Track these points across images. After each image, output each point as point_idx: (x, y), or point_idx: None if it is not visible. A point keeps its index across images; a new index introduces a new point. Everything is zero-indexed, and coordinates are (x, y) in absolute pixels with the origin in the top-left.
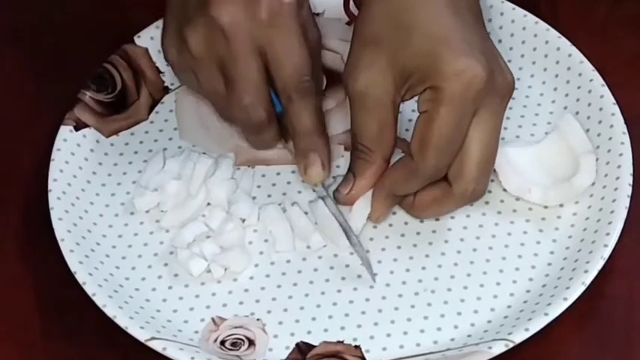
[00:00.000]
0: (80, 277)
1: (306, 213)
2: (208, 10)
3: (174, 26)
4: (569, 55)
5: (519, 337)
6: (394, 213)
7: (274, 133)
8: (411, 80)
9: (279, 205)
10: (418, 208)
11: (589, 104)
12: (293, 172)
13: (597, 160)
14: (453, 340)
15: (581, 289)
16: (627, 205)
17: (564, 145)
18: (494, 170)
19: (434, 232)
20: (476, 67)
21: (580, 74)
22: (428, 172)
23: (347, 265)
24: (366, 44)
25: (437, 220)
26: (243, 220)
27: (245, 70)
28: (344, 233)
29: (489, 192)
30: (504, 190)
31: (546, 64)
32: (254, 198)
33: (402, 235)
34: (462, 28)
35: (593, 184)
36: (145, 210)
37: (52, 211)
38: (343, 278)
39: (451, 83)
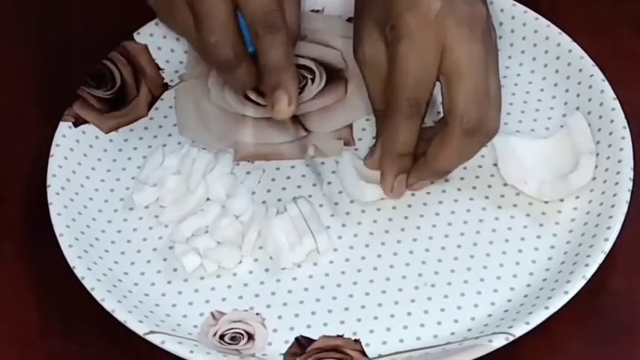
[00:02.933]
0: (79, 272)
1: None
2: None
3: None
4: (570, 51)
5: (520, 330)
6: (393, 207)
7: (246, 73)
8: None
9: (279, 200)
10: (432, 161)
11: (589, 99)
12: (292, 167)
13: (598, 155)
14: (453, 334)
15: (582, 282)
16: (628, 199)
17: (569, 142)
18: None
19: (434, 226)
20: None
21: (580, 70)
22: (405, 109)
23: (347, 259)
24: (362, 17)
25: (437, 214)
26: (238, 217)
27: (211, 9)
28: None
29: (489, 187)
30: (505, 184)
31: (547, 60)
32: (253, 193)
33: (402, 230)
34: None
35: (594, 178)
36: (144, 205)
37: (51, 207)
38: (343, 272)
39: (405, 18)
